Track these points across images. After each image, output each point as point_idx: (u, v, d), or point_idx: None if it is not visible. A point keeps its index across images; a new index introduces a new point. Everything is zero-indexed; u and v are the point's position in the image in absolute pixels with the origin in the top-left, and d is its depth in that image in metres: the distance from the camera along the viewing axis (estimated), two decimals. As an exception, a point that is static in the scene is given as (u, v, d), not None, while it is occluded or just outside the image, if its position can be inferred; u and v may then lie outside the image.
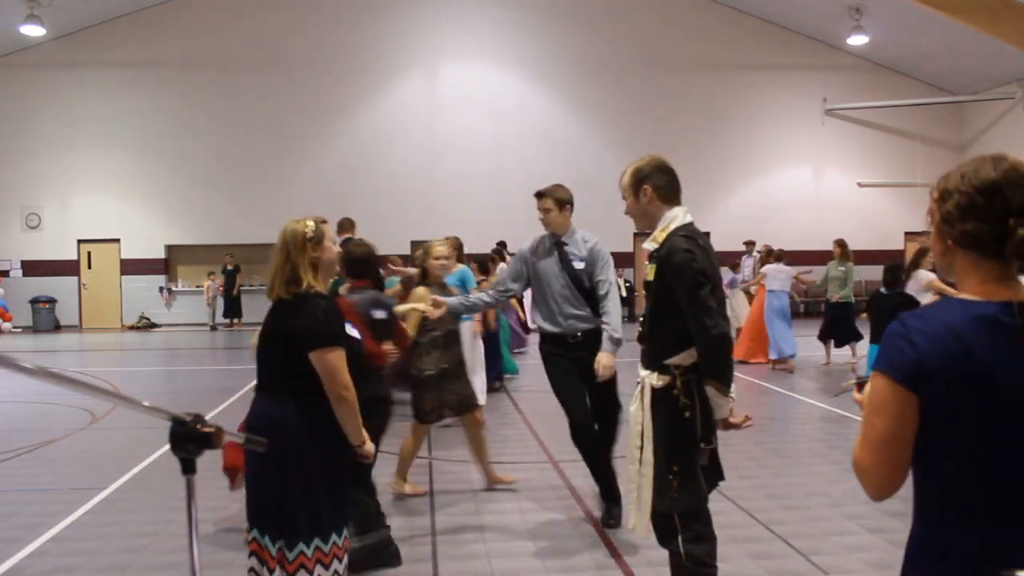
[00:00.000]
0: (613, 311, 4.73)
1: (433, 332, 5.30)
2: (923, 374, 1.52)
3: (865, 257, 16.20)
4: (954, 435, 1.53)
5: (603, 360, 4.59)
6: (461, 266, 7.60)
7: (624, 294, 19.29)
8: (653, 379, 3.11)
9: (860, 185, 20.65)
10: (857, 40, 18.55)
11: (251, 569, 3.00)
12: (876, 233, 19.92)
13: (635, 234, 19.25)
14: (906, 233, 20.71)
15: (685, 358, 3.06)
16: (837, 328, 11.39)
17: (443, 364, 5.32)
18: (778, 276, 11.57)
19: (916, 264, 7.80)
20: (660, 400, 3.09)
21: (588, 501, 5.34)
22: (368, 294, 4.51)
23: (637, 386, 3.21)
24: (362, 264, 4.59)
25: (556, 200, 4.85)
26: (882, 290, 8.02)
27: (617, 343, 4.65)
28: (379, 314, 4.44)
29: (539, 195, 4.92)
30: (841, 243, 11.68)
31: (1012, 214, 1.53)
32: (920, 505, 1.61)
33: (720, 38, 19.83)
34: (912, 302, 7.13)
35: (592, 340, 4.73)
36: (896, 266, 8.21)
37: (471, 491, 5.69)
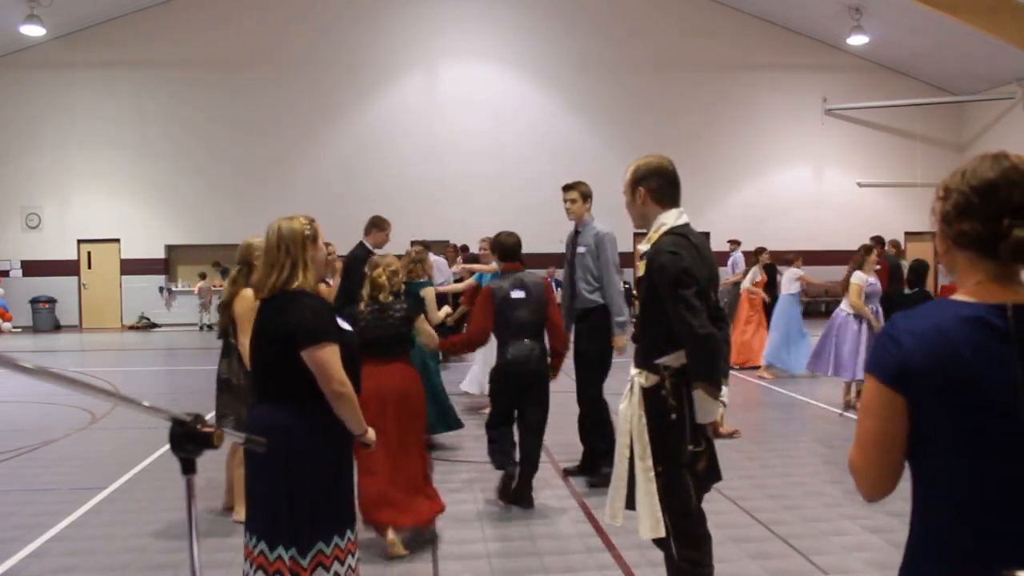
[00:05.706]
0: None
1: None
2: (907, 373, 1.49)
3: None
4: (942, 435, 1.50)
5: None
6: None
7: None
8: (642, 379, 3.12)
9: (860, 185, 20.65)
10: (857, 40, 18.54)
11: None
12: (876, 233, 19.89)
13: (635, 234, 19.24)
14: (906, 233, 20.70)
15: (674, 359, 3.06)
16: None
17: None
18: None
19: (859, 264, 7.68)
20: (648, 400, 3.09)
21: (589, 501, 5.34)
22: (514, 276, 5.20)
23: (627, 385, 3.22)
24: (514, 250, 5.33)
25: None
26: (905, 290, 8.02)
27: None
28: (517, 294, 5.08)
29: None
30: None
31: (1007, 213, 1.49)
32: (915, 504, 1.60)
33: (720, 38, 19.82)
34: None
35: None
36: (921, 265, 8.08)
37: (471, 491, 5.70)
